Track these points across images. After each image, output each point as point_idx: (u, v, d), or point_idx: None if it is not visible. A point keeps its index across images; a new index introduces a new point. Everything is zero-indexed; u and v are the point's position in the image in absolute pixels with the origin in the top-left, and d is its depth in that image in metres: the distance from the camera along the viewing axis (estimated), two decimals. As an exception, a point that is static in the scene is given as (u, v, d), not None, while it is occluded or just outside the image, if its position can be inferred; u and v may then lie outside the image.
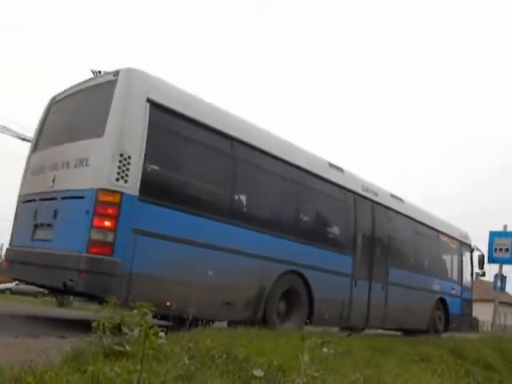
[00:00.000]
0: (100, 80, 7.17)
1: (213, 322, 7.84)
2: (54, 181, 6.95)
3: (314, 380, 3.54)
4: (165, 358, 3.51)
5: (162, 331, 3.42)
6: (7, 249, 7.92)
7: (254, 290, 7.84)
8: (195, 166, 7.42)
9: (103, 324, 3.77)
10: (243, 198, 8.19)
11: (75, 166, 6.65)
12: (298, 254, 8.63)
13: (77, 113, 7.64)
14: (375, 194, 11.10)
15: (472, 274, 15.33)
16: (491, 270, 16.54)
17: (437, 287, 13.49)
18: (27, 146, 8.83)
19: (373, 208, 10.96)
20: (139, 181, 6.32)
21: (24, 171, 8.14)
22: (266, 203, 8.64)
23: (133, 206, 6.23)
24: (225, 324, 7.96)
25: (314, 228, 9.73)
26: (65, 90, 8.01)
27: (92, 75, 7.50)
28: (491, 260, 15.78)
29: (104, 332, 3.72)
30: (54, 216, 6.70)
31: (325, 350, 5.02)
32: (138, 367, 2.73)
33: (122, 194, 6.15)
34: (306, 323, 8.68)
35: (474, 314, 16.11)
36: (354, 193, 10.42)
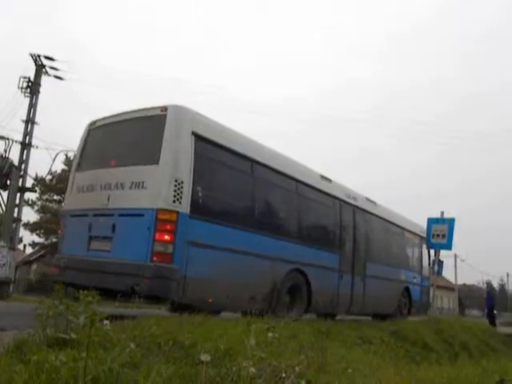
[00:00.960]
0: (147, 113, 8.34)
1: (219, 313, 8.91)
2: (108, 199, 8.08)
3: (259, 362, 3.61)
4: (111, 346, 3.49)
5: (107, 319, 3.41)
6: (58, 257, 8.95)
7: (269, 286, 9.25)
8: (228, 187, 8.93)
9: (47, 313, 3.70)
10: (264, 211, 9.77)
11: (130, 188, 7.89)
12: (299, 254, 10.12)
13: (125, 140, 8.77)
14: (355, 199, 12.80)
15: (429, 264, 16.90)
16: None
17: (403, 277, 15.35)
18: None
19: (354, 211, 12.63)
20: (189, 201, 7.66)
21: (69, 188, 9.41)
22: (279, 214, 10.24)
23: (185, 222, 7.55)
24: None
25: (311, 231, 11.25)
26: (105, 118, 9.16)
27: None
28: (430, 246, 16.29)
29: (47, 321, 3.66)
30: (113, 230, 7.83)
31: (270, 334, 5.13)
32: (84, 355, 2.71)
33: (177, 212, 7.47)
34: (305, 312, 10.35)
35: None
36: (340, 199, 12.09)
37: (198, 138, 8.04)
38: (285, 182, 10.19)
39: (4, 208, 19.09)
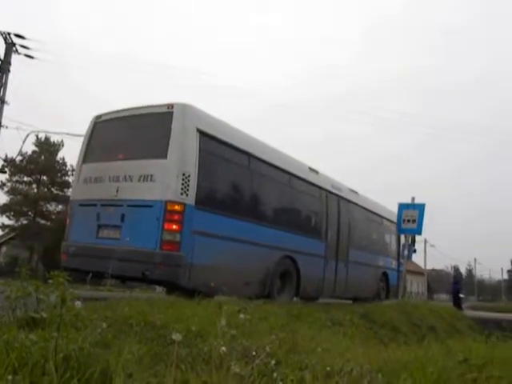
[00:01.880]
0: (154, 110, 8.87)
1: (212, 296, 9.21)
2: (117, 191, 8.59)
3: (230, 342, 3.66)
4: (82, 326, 3.50)
5: (78, 299, 3.40)
6: (66, 244, 9.32)
7: (264, 272, 9.96)
8: (229, 180, 9.56)
9: (16, 294, 3.68)
10: (260, 202, 10.44)
11: (139, 180, 8.42)
12: (290, 242, 10.86)
13: (133, 135, 9.25)
14: (340, 189, 13.57)
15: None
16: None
17: (382, 263, 16.35)
18: None
19: (338, 201, 13.36)
20: (195, 194, 8.23)
21: (75, 179, 10.04)
22: (273, 205, 10.92)
23: (191, 213, 8.14)
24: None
25: (301, 220, 12.04)
26: (111, 112, 9.62)
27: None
28: (400, 230, 16.47)
29: (17, 302, 3.64)
30: (122, 219, 8.37)
31: (241, 316, 5.19)
32: (55, 334, 2.71)
33: (184, 204, 8.06)
34: (295, 295, 11.16)
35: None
36: (326, 190, 12.79)
37: (203, 134, 8.60)
38: (279, 174, 10.87)
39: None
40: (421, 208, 15.98)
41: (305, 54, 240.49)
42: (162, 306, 5.39)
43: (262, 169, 10.36)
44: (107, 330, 3.64)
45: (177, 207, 8.02)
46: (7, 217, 39.31)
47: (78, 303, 3.41)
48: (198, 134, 8.49)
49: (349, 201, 14.06)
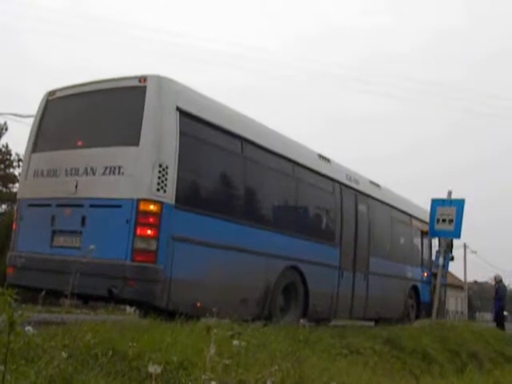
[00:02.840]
0: (122, 84, 8.69)
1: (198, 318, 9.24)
2: (76, 187, 8.33)
3: (222, 375, 3.69)
4: (36, 357, 3.51)
5: (29, 324, 3.42)
6: (12, 255, 9.08)
7: (263, 287, 9.79)
8: (218, 172, 9.44)
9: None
10: (258, 200, 10.42)
11: (104, 174, 8.16)
12: (295, 249, 10.69)
13: (95, 116, 9.09)
14: (357, 181, 13.41)
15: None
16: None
17: (411, 274, 16.09)
18: None
19: (356, 197, 13.22)
20: (175, 190, 8.00)
21: (23, 172, 9.72)
22: (274, 203, 10.91)
23: (171, 214, 7.92)
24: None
25: (309, 222, 11.97)
26: (68, 87, 9.39)
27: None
28: (433, 233, 16.30)
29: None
30: (82, 223, 8.17)
31: (235, 342, 5.22)
32: (2, 368, 2.73)
33: (162, 203, 7.82)
34: (303, 316, 11.05)
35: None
36: (341, 183, 12.61)
37: (184, 114, 8.40)
38: (281, 164, 10.74)
39: None
40: (459, 205, 15.80)
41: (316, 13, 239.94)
42: (135, 331, 5.40)
43: (260, 157, 10.19)
44: (66, 361, 3.65)
45: (152, 207, 7.82)
46: None
47: (29, 328, 3.42)
48: (177, 114, 8.29)
49: (369, 196, 13.90)
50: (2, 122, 39.68)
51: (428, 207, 16.24)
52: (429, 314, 16.45)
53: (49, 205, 8.76)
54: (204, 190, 9.23)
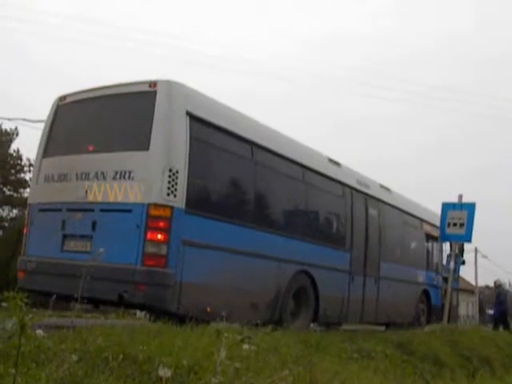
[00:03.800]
0: (132, 89, 8.77)
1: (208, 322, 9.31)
2: (86, 192, 8.45)
3: (233, 379, 3.67)
4: (46, 360, 3.51)
5: (40, 328, 3.42)
6: (23, 259, 9.25)
7: (273, 292, 9.87)
8: (228, 177, 9.55)
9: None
10: (269, 204, 10.52)
11: (114, 178, 8.26)
12: (306, 253, 10.76)
13: (106, 121, 9.21)
14: (367, 186, 13.50)
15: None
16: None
17: (422, 279, 16.24)
18: None
19: (366, 201, 13.29)
20: (185, 194, 8.08)
21: (34, 177, 9.88)
22: (285, 208, 10.99)
23: (181, 218, 8.00)
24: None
25: (319, 226, 12.07)
26: (79, 92, 9.47)
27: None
28: (444, 237, 16.21)
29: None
30: (93, 228, 8.26)
31: (245, 346, 5.21)
32: (13, 371, 2.73)
33: (172, 208, 7.90)
34: (313, 320, 11.18)
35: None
36: (351, 187, 12.69)
37: (194, 118, 8.46)
38: (291, 168, 10.78)
39: None
40: (470, 209, 15.71)
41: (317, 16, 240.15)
42: (145, 335, 5.40)
43: (270, 162, 10.24)
44: (77, 365, 3.65)
45: (162, 212, 7.89)
46: None
47: (40, 332, 3.42)
48: (187, 119, 8.35)
49: (379, 200, 13.97)
50: (13, 127, 39.95)
51: (438, 211, 16.14)
52: (440, 319, 16.37)
53: (59, 209, 8.84)
54: (214, 194, 9.26)
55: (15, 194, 39.69)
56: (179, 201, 8.02)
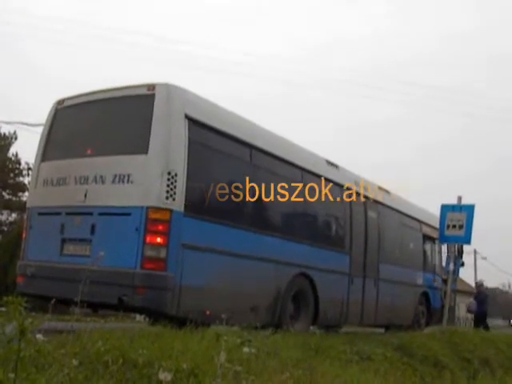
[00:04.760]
0: (130, 92, 8.77)
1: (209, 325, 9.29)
2: (85, 195, 8.45)
3: (233, 382, 3.67)
4: (46, 364, 3.50)
5: (40, 332, 3.41)
6: (22, 264, 9.26)
7: (272, 294, 9.88)
8: (227, 180, 9.32)
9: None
10: (268, 207, 10.40)
11: (113, 182, 8.26)
12: (305, 256, 10.79)
13: (104, 124, 9.24)
14: (365, 188, 13.38)
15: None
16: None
17: (421, 281, 16.22)
18: None
19: (365, 203, 13.26)
20: (184, 197, 8.09)
21: (32, 181, 9.94)
22: (283, 210, 10.83)
23: (180, 222, 8.03)
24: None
25: (318, 228, 12.02)
26: (77, 96, 9.50)
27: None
28: (443, 239, 16.22)
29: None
30: (92, 232, 8.28)
31: (246, 349, 5.20)
32: (12, 375, 2.72)
33: (171, 211, 7.92)
34: (313, 323, 11.16)
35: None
36: (350, 190, 12.62)
37: (193, 121, 8.49)
38: (291, 172, 10.82)
39: None
40: (469, 210, 15.69)
41: (318, 21, 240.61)
42: (145, 338, 5.40)
43: (269, 164, 10.26)
44: (77, 369, 3.64)
45: (161, 215, 7.90)
46: None
47: (40, 336, 3.41)
48: (186, 122, 8.36)
49: (378, 202, 13.95)
50: (12, 131, 39.92)
51: (438, 213, 16.13)
52: (439, 321, 16.41)
53: (58, 213, 8.85)
54: (213, 197, 9.14)
55: (14, 198, 39.69)
56: (178, 204, 8.03)
